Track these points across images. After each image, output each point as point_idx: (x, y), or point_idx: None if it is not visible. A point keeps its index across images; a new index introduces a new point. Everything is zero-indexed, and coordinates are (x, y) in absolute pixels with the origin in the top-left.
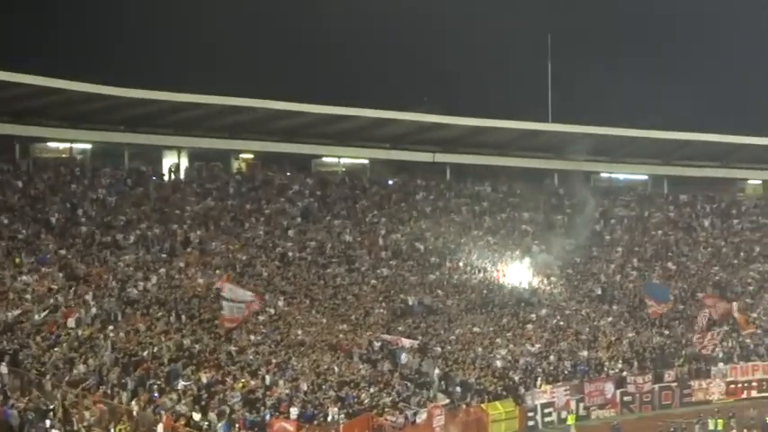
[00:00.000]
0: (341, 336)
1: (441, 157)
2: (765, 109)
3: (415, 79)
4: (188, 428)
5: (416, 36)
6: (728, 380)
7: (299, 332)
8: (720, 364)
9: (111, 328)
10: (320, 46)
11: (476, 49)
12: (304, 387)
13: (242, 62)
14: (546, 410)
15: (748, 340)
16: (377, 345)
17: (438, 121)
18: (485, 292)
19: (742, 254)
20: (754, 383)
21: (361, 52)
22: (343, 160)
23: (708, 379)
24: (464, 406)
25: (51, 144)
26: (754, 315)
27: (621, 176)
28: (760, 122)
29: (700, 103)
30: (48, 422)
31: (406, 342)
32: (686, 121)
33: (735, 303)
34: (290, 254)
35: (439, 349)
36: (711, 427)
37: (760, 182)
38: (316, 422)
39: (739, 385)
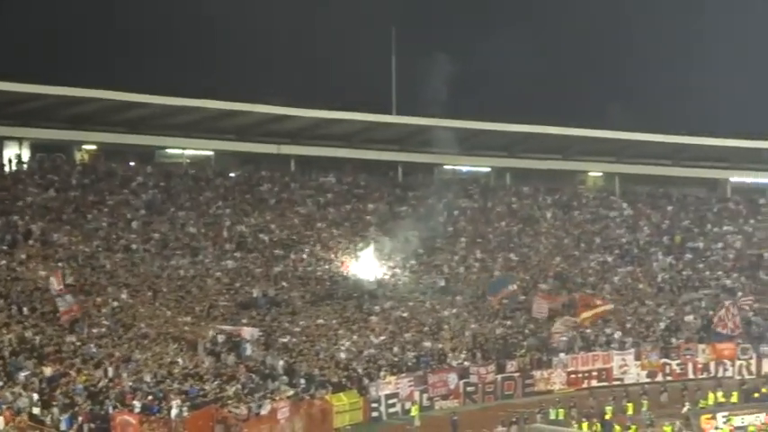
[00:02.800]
0: (185, 328)
1: (285, 149)
2: (604, 102)
3: (260, 71)
4: (30, 423)
5: (263, 27)
6: (569, 370)
7: (143, 325)
8: (561, 355)
9: None
10: (165, 37)
11: (321, 40)
12: (148, 380)
13: (86, 52)
14: (390, 401)
15: (588, 330)
16: (221, 337)
17: (283, 112)
18: (329, 283)
19: (583, 245)
20: (594, 373)
21: (206, 43)
22: (187, 152)
23: (549, 369)
24: (308, 398)
25: None
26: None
27: (465, 168)
28: (599, 115)
29: (541, 95)
30: None
31: (247, 332)
32: (528, 114)
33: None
34: (134, 246)
35: (284, 341)
36: (553, 416)
37: (600, 174)
38: (159, 415)
39: (580, 375)
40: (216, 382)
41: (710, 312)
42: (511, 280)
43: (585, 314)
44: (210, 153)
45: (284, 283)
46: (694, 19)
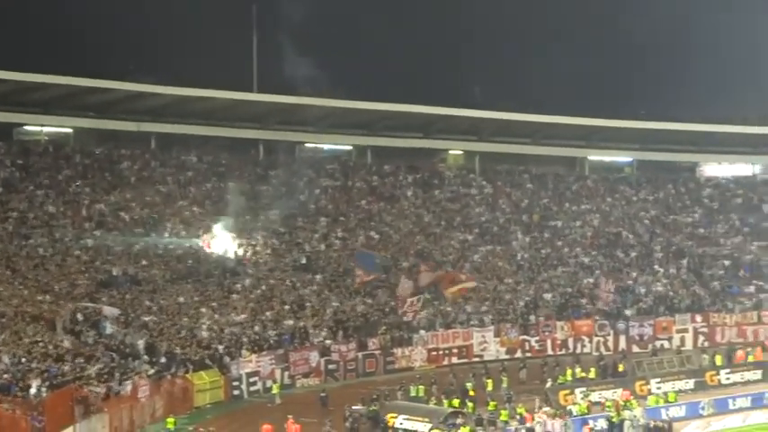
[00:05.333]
0: (44, 307)
1: (146, 127)
2: (465, 81)
3: (120, 47)
4: None
5: (124, 3)
6: (430, 347)
7: (1, 304)
8: (422, 332)
9: None
10: (23, 12)
11: (182, 17)
12: (6, 360)
13: None
14: (251, 380)
15: (450, 308)
16: (80, 316)
17: (144, 90)
18: (190, 261)
19: (443, 223)
20: (454, 350)
21: (65, 18)
22: (46, 129)
23: (410, 346)
24: (169, 376)
25: None
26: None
27: (326, 147)
28: (461, 94)
29: (402, 73)
30: None
31: (107, 310)
32: (389, 92)
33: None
34: None
35: (144, 320)
36: (413, 393)
37: (461, 152)
38: (19, 395)
39: (440, 352)
40: (76, 362)
41: (569, 290)
42: (376, 264)
43: (452, 288)
44: (70, 130)
45: (144, 262)
46: None
